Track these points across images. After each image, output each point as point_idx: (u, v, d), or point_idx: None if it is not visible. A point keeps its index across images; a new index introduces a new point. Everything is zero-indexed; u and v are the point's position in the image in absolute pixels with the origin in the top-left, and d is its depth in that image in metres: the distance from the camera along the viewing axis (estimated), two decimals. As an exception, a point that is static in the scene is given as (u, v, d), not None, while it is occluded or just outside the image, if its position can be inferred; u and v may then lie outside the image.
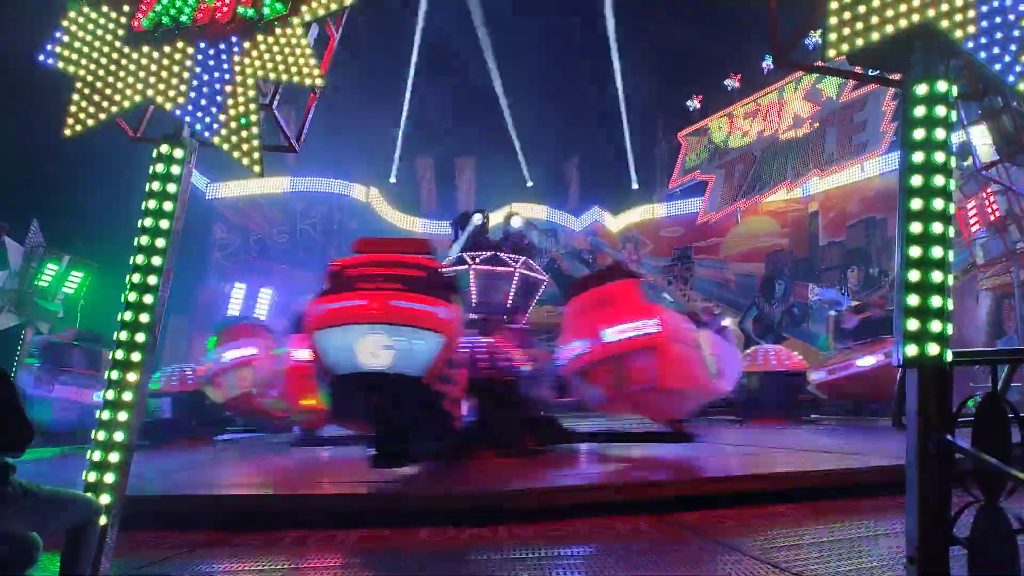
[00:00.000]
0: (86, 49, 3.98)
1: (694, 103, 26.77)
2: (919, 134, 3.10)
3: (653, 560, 4.04)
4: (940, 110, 3.09)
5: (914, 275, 3.03)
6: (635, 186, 28.77)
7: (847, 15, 3.15)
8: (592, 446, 9.10)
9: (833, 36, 3.17)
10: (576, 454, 8.59)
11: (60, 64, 3.98)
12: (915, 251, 3.04)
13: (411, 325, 6.63)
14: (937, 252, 3.03)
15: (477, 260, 12.60)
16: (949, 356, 3.02)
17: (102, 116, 3.89)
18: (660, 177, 28.64)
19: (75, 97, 3.93)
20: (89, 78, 3.93)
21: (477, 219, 13.20)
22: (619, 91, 26.91)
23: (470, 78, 26.17)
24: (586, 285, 8.65)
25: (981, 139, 10.45)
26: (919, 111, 3.10)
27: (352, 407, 7.13)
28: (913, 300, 3.02)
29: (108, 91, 3.91)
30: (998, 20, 3.05)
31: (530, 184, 27.73)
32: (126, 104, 3.90)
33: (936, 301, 3.01)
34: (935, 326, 3.00)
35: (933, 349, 2.99)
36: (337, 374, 6.58)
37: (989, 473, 2.81)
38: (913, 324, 3.01)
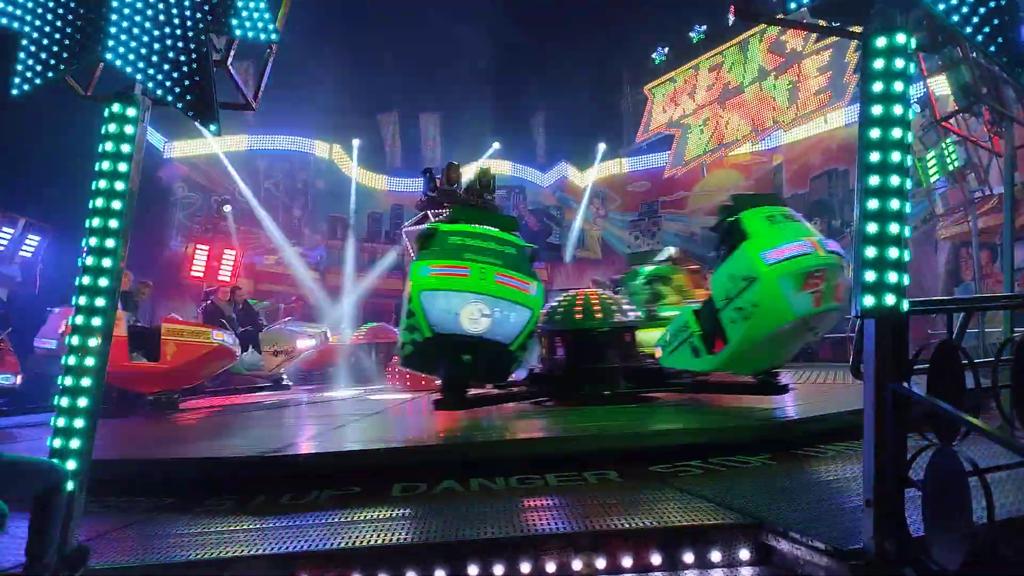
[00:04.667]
0: (31, 5, 3.82)
1: (659, 55, 26.58)
2: (878, 87, 3.12)
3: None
4: (899, 63, 3.11)
5: (872, 227, 3.08)
6: (601, 140, 28.63)
7: (808, -34, 3.14)
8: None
9: (795, -13, 3.16)
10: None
11: (3, 21, 3.83)
12: (873, 203, 3.09)
13: (508, 299, 7.51)
14: (894, 204, 3.08)
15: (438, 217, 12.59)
16: (906, 306, 3.09)
17: (50, 75, 3.75)
18: (627, 131, 28.51)
19: (21, 55, 3.77)
20: (35, 35, 3.78)
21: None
22: (583, 44, 26.62)
23: (432, 31, 25.67)
24: None
25: (940, 89, 10.56)
26: (878, 64, 3.12)
27: (439, 360, 7.89)
28: (871, 252, 3.08)
29: (55, 48, 3.76)
30: (957, -29, 3.07)
31: (497, 146, 27.38)
32: (75, 62, 3.77)
33: (893, 252, 3.07)
34: (892, 277, 3.06)
35: (890, 299, 3.06)
36: (435, 331, 7.33)
37: (943, 418, 2.90)
38: (870, 275, 3.08)
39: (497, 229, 8.06)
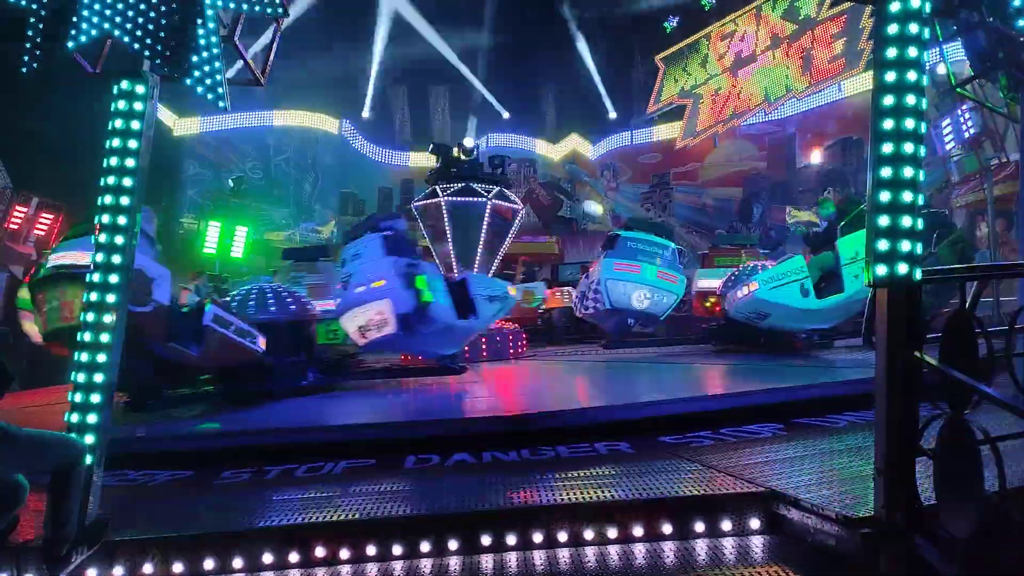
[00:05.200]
0: (38, -18, 3.81)
1: (671, 24, 26.19)
2: (892, 52, 3.07)
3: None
4: (913, 27, 3.05)
5: (884, 196, 3.05)
6: (612, 113, 28.34)
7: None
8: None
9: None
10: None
11: (11, -1, 3.82)
12: (886, 171, 3.06)
13: (663, 288, 11.64)
14: (908, 172, 3.04)
15: (448, 192, 12.48)
16: (918, 275, 3.06)
17: (59, 52, 3.76)
18: (638, 102, 28.19)
19: (30, 33, 3.78)
20: (43, 12, 3.78)
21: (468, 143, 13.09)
22: (594, 14, 26.33)
23: (441, 4, 25.41)
24: None
25: (956, 55, 10.36)
26: (892, 29, 3.07)
27: (615, 322, 12.20)
28: (883, 221, 3.05)
29: (64, 25, 3.76)
30: (973, -68, 3.00)
31: (506, 116, 27.16)
32: (83, 39, 3.76)
33: (906, 221, 3.04)
34: (905, 246, 3.03)
35: (903, 268, 3.03)
36: (613, 306, 11.55)
37: (955, 387, 2.89)
38: (883, 244, 3.05)
39: (658, 236, 12.02)
